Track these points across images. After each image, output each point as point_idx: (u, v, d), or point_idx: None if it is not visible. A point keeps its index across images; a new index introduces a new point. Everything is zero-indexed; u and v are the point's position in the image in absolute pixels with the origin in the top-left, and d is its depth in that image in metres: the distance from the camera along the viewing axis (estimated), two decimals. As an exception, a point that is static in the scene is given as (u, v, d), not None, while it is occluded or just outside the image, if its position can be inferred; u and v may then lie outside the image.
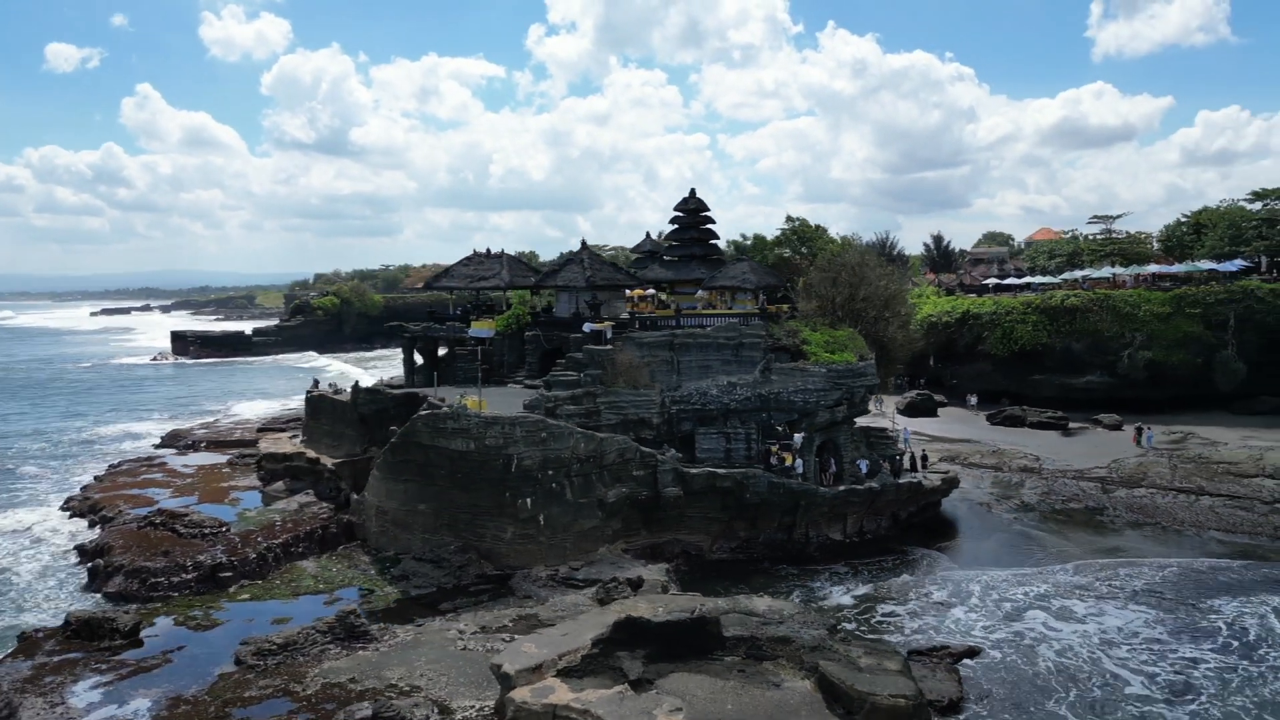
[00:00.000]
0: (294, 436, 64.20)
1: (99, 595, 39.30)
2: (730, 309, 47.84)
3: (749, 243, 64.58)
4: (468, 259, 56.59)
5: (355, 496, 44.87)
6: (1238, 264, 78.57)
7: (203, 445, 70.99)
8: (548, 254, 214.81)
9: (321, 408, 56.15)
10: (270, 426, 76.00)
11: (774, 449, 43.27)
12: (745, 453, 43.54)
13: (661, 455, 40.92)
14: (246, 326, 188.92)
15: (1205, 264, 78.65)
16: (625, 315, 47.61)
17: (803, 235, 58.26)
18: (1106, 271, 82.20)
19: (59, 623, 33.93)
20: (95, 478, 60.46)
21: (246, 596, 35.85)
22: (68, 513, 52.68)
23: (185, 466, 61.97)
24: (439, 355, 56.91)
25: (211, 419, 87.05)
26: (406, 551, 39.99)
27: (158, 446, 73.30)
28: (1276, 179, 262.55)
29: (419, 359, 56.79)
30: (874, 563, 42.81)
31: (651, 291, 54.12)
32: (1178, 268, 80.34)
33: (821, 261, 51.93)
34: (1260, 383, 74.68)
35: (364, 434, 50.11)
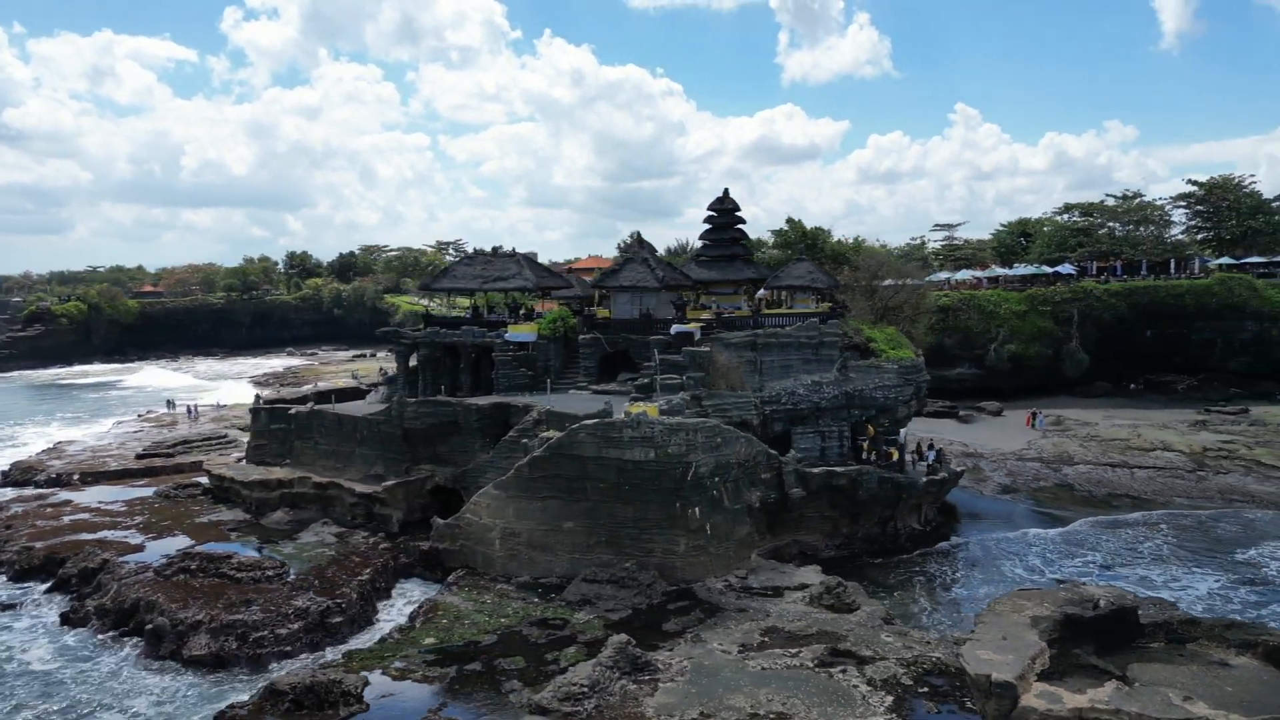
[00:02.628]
0: (240, 459, 56.02)
1: (176, 663, 32.60)
2: (791, 309, 48.26)
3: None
4: (470, 257, 52.46)
5: (439, 521, 40.35)
6: (1068, 268, 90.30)
7: (76, 479, 59.60)
8: (256, 254, 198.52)
9: (314, 424, 49.56)
10: (156, 451, 65.60)
11: (864, 444, 44.34)
12: (838, 450, 44.25)
13: (784, 456, 40.66)
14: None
15: (1048, 269, 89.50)
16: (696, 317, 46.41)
17: (811, 238, 59.63)
18: (966, 274, 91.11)
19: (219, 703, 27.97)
20: (-13, 525, 49.28)
21: (431, 640, 31.27)
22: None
23: (103, 503, 52.10)
24: (430, 360, 52.04)
25: (35, 448, 73.08)
26: (547, 575, 36.74)
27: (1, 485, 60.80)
28: (930, 197, 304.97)
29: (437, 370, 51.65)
30: (959, 547, 45.17)
31: None
32: (1022, 270, 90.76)
33: (862, 261, 53.64)
34: (1097, 370, 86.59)
35: (407, 452, 44.96)
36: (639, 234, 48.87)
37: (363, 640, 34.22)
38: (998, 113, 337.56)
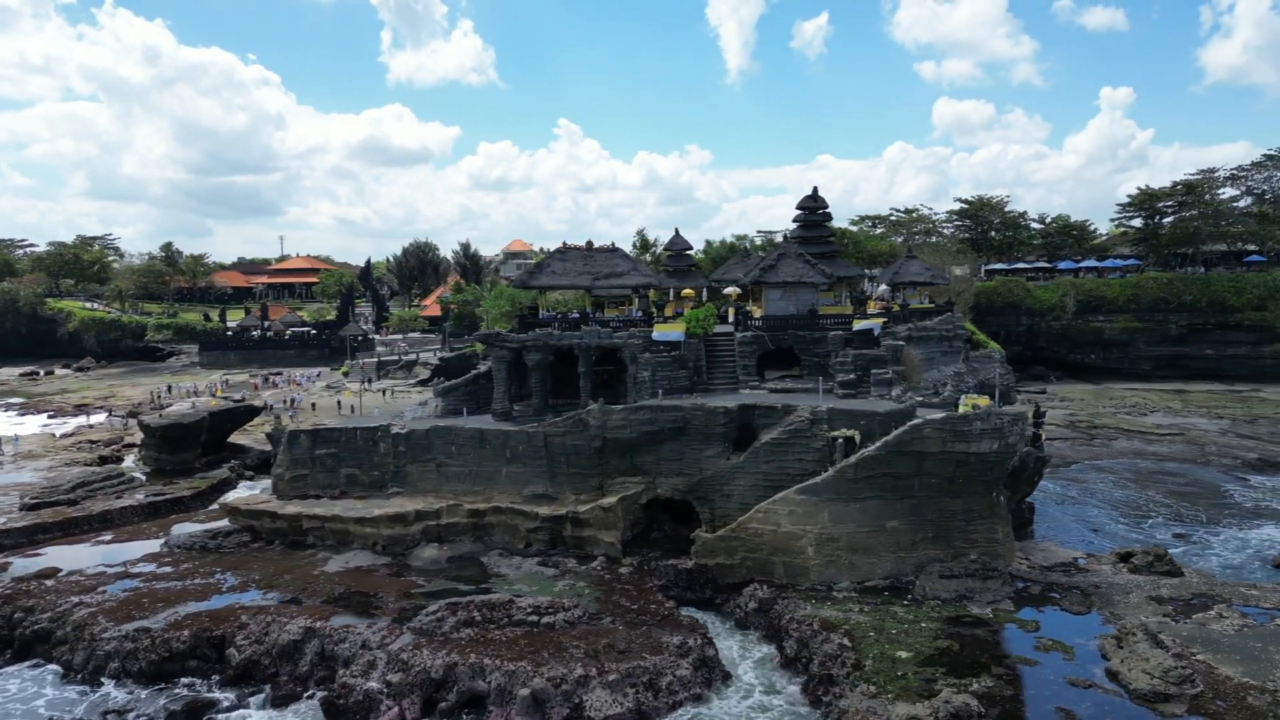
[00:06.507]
0: (265, 493, 44.88)
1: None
2: (906, 304, 49.83)
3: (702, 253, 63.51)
4: (563, 253, 47.13)
5: (705, 535, 36.70)
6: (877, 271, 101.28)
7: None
8: None
9: (437, 444, 41.72)
10: (49, 501, 49.97)
11: (1000, 428, 47.58)
12: (984, 435, 46.94)
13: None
14: None
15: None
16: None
17: (847, 239, 60.56)
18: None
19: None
20: None
21: (906, 655, 28.88)
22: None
23: (115, 569, 39.59)
24: (532, 364, 46.28)
25: None
26: (869, 577, 35.21)
27: None
28: (539, 206, 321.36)
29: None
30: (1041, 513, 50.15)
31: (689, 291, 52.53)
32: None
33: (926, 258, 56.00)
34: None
35: (597, 466, 39.77)
36: (786, 234, 47.37)
37: (743, 673, 30.67)
38: (598, 130, 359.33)
